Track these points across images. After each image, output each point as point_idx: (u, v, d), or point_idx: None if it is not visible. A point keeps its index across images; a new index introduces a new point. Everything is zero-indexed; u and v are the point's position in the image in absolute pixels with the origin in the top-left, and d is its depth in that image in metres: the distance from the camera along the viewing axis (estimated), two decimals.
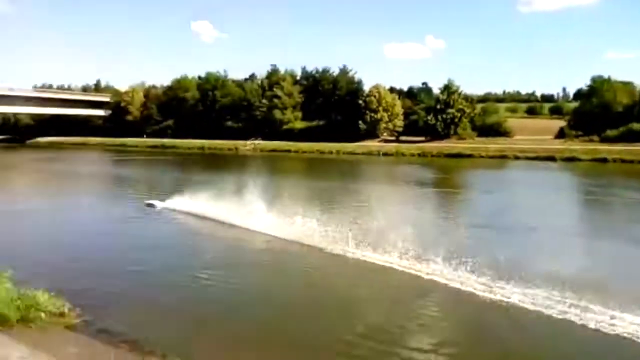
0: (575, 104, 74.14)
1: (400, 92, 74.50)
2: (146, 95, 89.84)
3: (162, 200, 18.39)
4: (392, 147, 56.37)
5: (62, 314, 7.23)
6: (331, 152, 55.19)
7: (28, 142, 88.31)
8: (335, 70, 77.72)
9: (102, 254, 11.79)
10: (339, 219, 13.90)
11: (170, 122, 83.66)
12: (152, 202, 18.28)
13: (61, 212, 17.92)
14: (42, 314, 6.99)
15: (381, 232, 11.85)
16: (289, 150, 58.44)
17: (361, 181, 30.00)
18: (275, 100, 73.57)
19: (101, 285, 9.12)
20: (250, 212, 14.88)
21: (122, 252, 11.99)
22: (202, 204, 16.69)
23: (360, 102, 67.53)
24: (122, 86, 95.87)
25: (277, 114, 72.87)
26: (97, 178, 31.97)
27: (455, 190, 27.55)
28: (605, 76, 60.82)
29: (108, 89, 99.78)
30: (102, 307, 7.85)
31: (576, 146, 47.48)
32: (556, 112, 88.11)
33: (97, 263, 10.85)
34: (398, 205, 16.83)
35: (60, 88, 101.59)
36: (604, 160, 39.90)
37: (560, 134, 58.70)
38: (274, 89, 74.77)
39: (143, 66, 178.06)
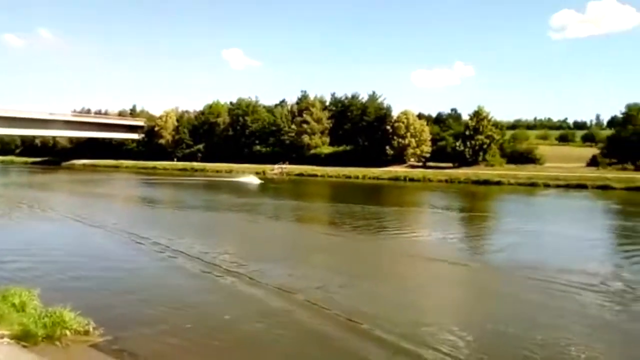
0: (608, 132, 72.52)
1: (428, 118, 74.40)
2: (179, 120, 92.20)
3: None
4: (418, 172, 55.97)
5: (86, 332, 7.35)
6: (357, 177, 55.25)
7: (64, 164, 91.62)
8: (364, 97, 78.45)
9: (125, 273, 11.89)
10: None
11: (200, 146, 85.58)
12: None
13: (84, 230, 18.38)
14: (68, 332, 7.14)
15: None
16: (315, 175, 58.76)
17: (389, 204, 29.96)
18: (304, 126, 74.46)
19: (127, 305, 9.30)
20: None
21: (151, 275, 12.09)
22: None
23: (388, 127, 67.69)
24: (157, 111, 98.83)
25: (306, 139, 73.68)
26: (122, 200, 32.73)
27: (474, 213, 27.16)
28: None
29: (143, 114, 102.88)
30: (126, 327, 7.97)
31: (609, 174, 46.13)
32: (589, 139, 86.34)
33: (126, 282, 11.01)
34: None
35: (98, 113, 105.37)
36: (639, 189, 38.59)
37: (593, 162, 57.34)
38: (304, 115, 75.74)
39: (177, 92, 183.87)
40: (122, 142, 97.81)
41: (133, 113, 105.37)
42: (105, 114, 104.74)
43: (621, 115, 62.53)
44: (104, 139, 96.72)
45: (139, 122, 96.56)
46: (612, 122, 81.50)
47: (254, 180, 49.02)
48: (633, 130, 56.08)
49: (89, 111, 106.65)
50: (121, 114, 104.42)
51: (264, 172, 64.90)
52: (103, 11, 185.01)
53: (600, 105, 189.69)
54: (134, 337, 7.66)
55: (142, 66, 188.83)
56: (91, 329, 7.43)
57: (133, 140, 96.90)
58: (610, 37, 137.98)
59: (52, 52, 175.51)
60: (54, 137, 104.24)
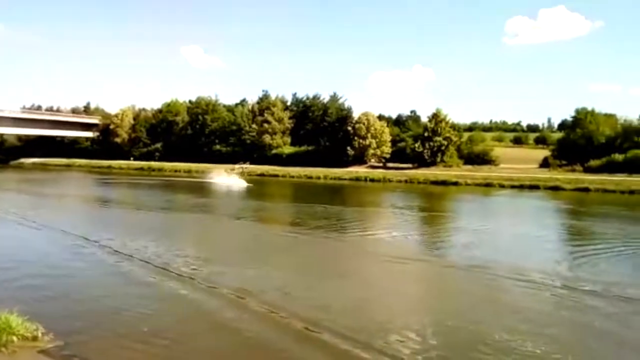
0: (559, 134, 75.73)
1: (388, 120, 75.47)
2: (135, 118, 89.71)
3: None
4: (379, 173, 56.67)
5: (35, 338, 7.03)
6: (319, 177, 55.35)
7: (12, 162, 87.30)
8: (325, 97, 78.68)
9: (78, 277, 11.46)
10: None
11: (158, 145, 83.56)
12: None
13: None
14: (15, 338, 6.81)
15: None
16: (276, 175, 58.46)
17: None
18: (266, 125, 73.97)
19: (76, 310, 8.96)
20: None
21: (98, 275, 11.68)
22: None
23: (349, 128, 68.18)
24: (113, 109, 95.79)
25: (267, 138, 73.21)
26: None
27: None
28: (589, 108, 62.30)
29: (98, 111, 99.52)
30: (76, 333, 7.68)
31: (559, 175, 48.20)
32: (541, 141, 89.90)
33: (74, 286, 10.59)
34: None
35: (49, 109, 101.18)
36: (587, 190, 40.44)
37: (545, 163, 59.76)
38: (265, 114, 75.22)
39: (134, 90, 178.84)
40: (75, 141, 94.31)
41: (87, 110, 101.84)
42: (58, 110, 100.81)
43: (571, 119, 65.40)
44: (55, 137, 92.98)
45: (94, 120, 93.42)
46: (563, 125, 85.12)
47: (237, 182, 41.88)
48: (581, 134, 58.76)
49: (39, 108, 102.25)
50: (74, 111, 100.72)
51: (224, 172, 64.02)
52: (56, 3, 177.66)
53: (552, 108, 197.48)
54: (85, 343, 7.38)
55: (98, 62, 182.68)
56: (40, 335, 7.11)
57: (87, 139, 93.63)
58: (561, 43, 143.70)
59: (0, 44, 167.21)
60: (1, 135, 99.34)
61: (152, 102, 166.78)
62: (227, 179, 43.86)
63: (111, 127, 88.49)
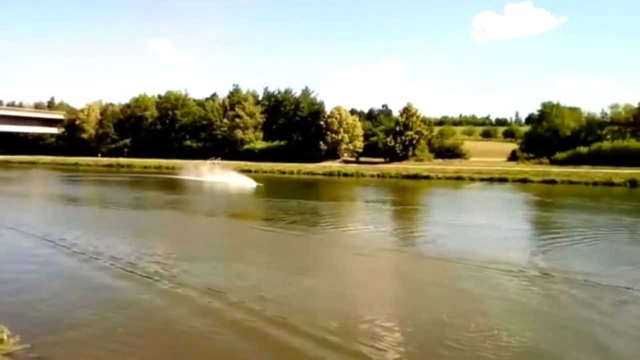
0: (526, 128, 77.66)
1: (360, 114, 75.87)
2: (102, 113, 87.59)
3: None
4: (352, 167, 56.93)
5: (0, 341, 6.84)
6: (292, 172, 55.19)
7: None
8: (297, 92, 78.47)
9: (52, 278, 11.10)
10: None
11: (127, 140, 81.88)
12: None
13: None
14: None
15: None
16: (249, 171, 57.84)
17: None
18: (237, 120, 73.27)
19: (42, 312, 8.65)
20: None
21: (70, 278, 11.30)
22: None
23: (322, 123, 68.19)
24: (79, 104, 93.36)
25: (239, 133, 72.55)
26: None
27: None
28: (555, 102, 64.24)
29: (63, 106, 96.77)
30: (43, 335, 7.44)
31: (527, 168, 49.45)
32: (509, 135, 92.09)
33: (38, 289, 10.22)
34: None
35: (11, 104, 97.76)
36: (553, 182, 41.56)
37: (513, 156, 61.22)
38: (236, 109, 74.48)
39: (101, 85, 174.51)
40: (39, 137, 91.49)
41: (51, 106, 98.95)
42: (20, 106, 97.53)
43: (537, 113, 67.13)
44: (18, 134, 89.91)
45: (58, 116, 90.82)
46: (530, 119, 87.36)
47: (247, 182, 37.90)
48: (548, 127, 60.42)
49: (0, 103, 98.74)
50: (38, 107, 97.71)
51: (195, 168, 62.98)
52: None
53: (520, 102, 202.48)
54: (52, 345, 7.16)
55: (63, 57, 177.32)
56: (5, 337, 6.93)
57: (52, 135, 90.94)
58: (528, 38, 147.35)
59: None
60: None
61: (120, 97, 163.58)
62: (238, 178, 39.89)
63: (77, 122, 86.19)
